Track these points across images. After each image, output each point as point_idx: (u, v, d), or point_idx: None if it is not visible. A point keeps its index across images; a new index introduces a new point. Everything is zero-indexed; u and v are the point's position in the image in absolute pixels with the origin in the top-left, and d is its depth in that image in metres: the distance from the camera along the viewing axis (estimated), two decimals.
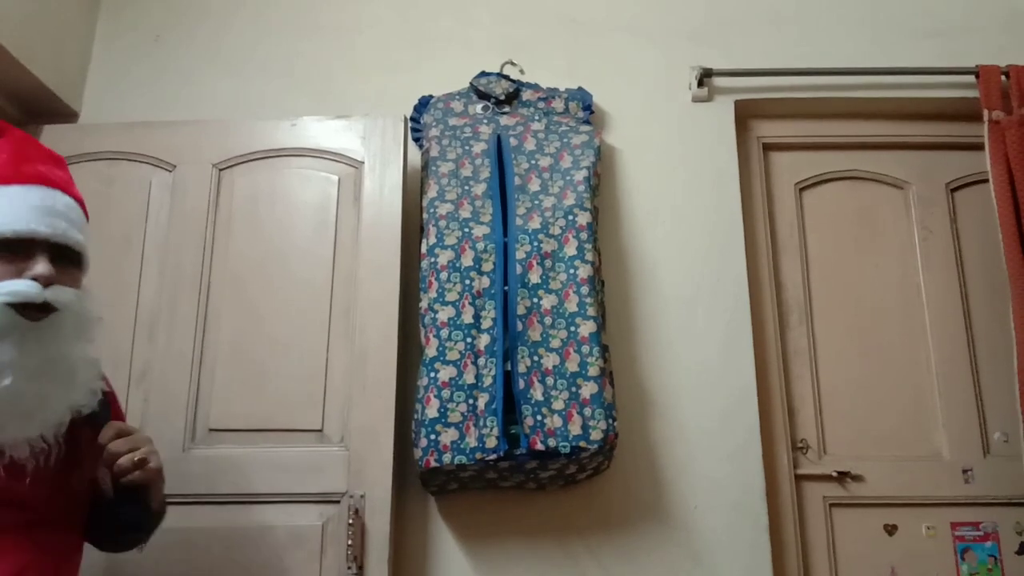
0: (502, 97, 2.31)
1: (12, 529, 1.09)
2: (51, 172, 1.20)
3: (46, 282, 1.08)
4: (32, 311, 1.07)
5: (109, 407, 1.30)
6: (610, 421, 1.94)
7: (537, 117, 2.30)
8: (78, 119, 2.45)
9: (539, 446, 1.89)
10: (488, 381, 1.94)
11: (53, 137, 2.29)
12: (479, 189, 2.16)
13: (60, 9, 2.40)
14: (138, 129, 2.28)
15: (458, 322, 1.99)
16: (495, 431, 1.90)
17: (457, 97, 2.33)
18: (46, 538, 1.14)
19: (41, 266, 1.09)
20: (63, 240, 1.14)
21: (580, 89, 2.37)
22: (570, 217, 2.10)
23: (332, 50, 2.51)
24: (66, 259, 1.14)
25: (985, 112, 2.29)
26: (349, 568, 1.85)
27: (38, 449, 1.08)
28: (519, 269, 2.04)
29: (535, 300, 2.02)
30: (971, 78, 2.37)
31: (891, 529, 2.22)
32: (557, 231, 2.09)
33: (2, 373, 1.04)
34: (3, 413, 1.05)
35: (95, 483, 1.24)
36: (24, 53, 2.19)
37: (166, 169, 2.24)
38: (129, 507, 1.22)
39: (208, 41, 2.54)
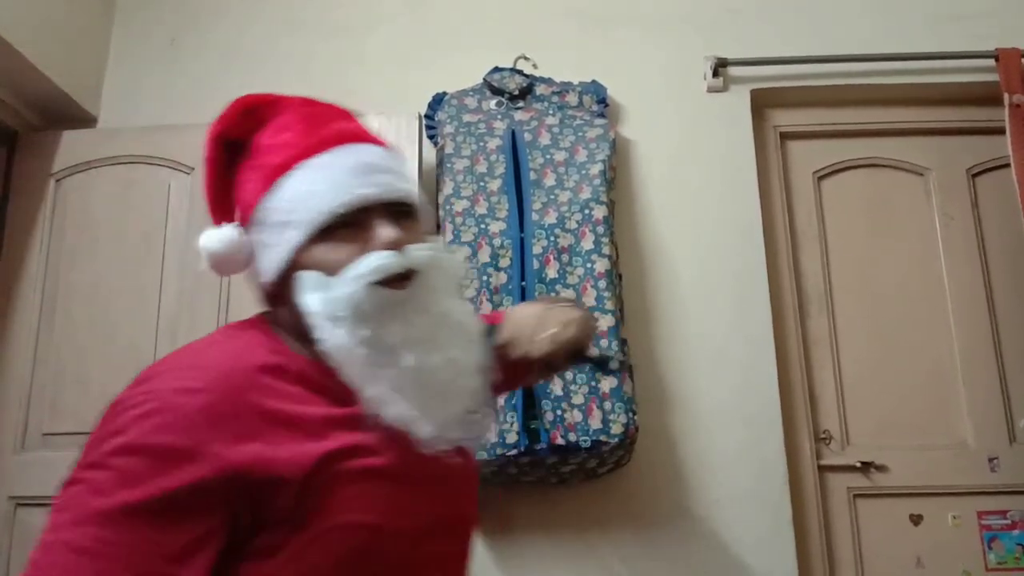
0: (516, 92, 2.30)
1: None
2: (350, 126, 1.02)
3: (397, 246, 0.91)
4: (396, 282, 0.91)
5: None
6: (630, 415, 1.94)
7: (551, 111, 2.29)
8: (96, 124, 2.47)
9: (559, 441, 1.89)
10: None
11: (72, 142, 2.31)
12: (494, 185, 2.16)
13: (76, 15, 2.42)
14: (156, 132, 2.30)
15: None
16: (515, 427, 1.90)
17: (471, 93, 2.33)
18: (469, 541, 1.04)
19: (386, 231, 0.91)
20: (394, 196, 0.95)
21: (594, 82, 2.36)
22: (586, 211, 2.10)
23: (345, 49, 2.52)
24: (402, 215, 0.96)
25: (1005, 96, 2.26)
26: None
27: (471, 426, 0.94)
28: (536, 264, 2.04)
29: (552, 295, 2.02)
30: (991, 62, 2.33)
31: (916, 519, 2.20)
32: (573, 225, 2.09)
33: (399, 354, 0.89)
34: (424, 397, 0.90)
35: None
36: (42, 60, 2.21)
37: (184, 172, 2.25)
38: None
39: (222, 43, 2.56)
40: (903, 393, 2.29)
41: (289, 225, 0.92)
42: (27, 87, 2.27)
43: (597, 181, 2.14)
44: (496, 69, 2.35)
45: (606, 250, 2.06)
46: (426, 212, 1.02)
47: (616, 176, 2.28)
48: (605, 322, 1.99)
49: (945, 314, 2.34)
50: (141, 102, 2.50)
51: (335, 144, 0.96)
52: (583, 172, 2.17)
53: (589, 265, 2.05)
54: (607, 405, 1.92)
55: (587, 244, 2.07)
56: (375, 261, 0.89)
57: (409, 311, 0.91)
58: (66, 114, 2.41)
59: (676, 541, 2.07)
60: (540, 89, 2.33)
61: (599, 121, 2.28)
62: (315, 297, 0.89)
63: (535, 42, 2.46)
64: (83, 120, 2.45)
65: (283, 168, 0.95)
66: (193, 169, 2.25)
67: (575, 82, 2.36)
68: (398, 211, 0.95)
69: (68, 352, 2.16)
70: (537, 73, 2.40)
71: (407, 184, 0.99)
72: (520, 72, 2.35)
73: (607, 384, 1.94)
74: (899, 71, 2.42)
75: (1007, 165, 2.25)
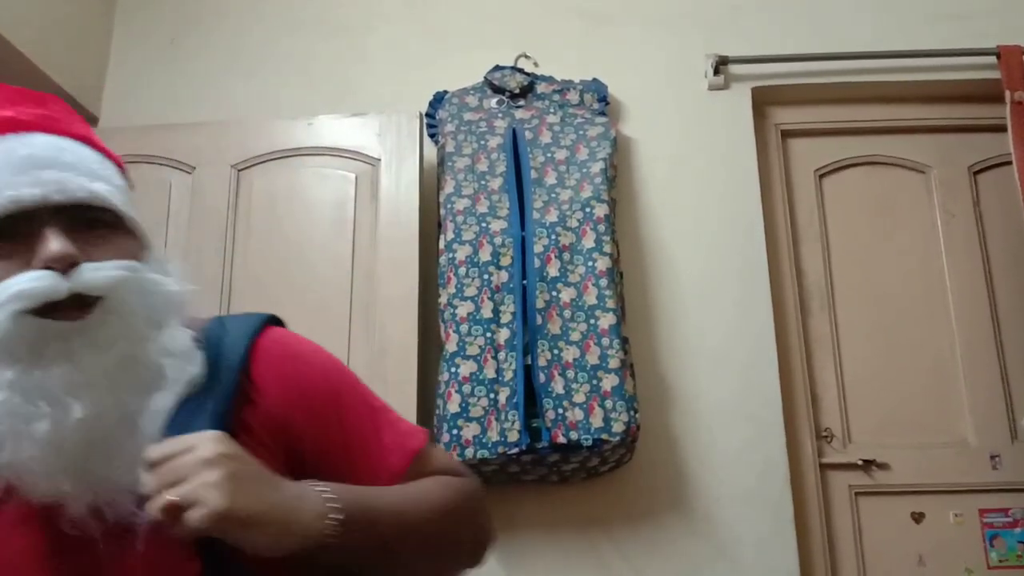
0: (517, 91, 2.30)
1: None
2: (25, 113, 0.83)
3: (65, 264, 0.70)
4: (66, 310, 0.70)
5: (237, 385, 0.81)
6: (631, 413, 1.94)
7: (552, 110, 2.29)
8: (98, 123, 2.47)
9: (561, 439, 1.89)
10: (508, 375, 1.95)
11: None
12: (495, 183, 2.16)
13: (78, 15, 2.43)
14: (157, 132, 2.31)
15: (477, 317, 2.00)
16: (516, 425, 1.90)
17: (472, 92, 2.33)
18: None
19: (52, 244, 0.70)
20: (72, 197, 0.74)
21: (595, 80, 2.36)
22: (587, 209, 2.10)
23: (347, 49, 2.52)
24: (97, 223, 0.75)
25: (1007, 93, 2.26)
26: None
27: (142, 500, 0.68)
28: (537, 263, 2.04)
29: (554, 293, 2.02)
30: (992, 59, 2.33)
31: (918, 517, 2.20)
32: (575, 224, 2.09)
33: (62, 405, 0.69)
34: (85, 456, 0.69)
35: None
36: (44, 60, 2.22)
37: (186, 171, 2.26)
38: None
39: (223, 43, 2.56)
40: (905, 391, 2.29)
41: None
42: (29, 87, 2.26)
43: (598, 179, 2.14)
44: (497, 67, 2.35)
45: (607, 248, 2.06)
46: (136, 221, 0.80)
47: (617, 174, 2.28)
48: (607, 320, 1.99)
49: (947, 312, 2.34)
50: (142, 101, 2.50)
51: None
52: (584, 170, 2.17)
53: (590, 263, 2.05)
54: (608, 403, 1.92)
55: (588, 242, 2.07)
56: (21, 284, 0.69)
57: (80, 346, 0.70)
58: None
59: (677, 539, 2.07)
60: (541, 87, 2.33)
61: (600, 119, 2.28)
62: None
63: (536, 40, 2.46)
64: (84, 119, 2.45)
65: None
66: (195, 168, 2.25)
67: (576, 80, 2.36)
68: (91, 218, 0.75)
69: None
70: (538, 71, 2.39)
71: (94, 184, 0.77)
72: (521, 70, 2.35)
73: (608, 382, 1.94)
74: (900, 68, 2.42)
75: (1009, 162, 2.25)
